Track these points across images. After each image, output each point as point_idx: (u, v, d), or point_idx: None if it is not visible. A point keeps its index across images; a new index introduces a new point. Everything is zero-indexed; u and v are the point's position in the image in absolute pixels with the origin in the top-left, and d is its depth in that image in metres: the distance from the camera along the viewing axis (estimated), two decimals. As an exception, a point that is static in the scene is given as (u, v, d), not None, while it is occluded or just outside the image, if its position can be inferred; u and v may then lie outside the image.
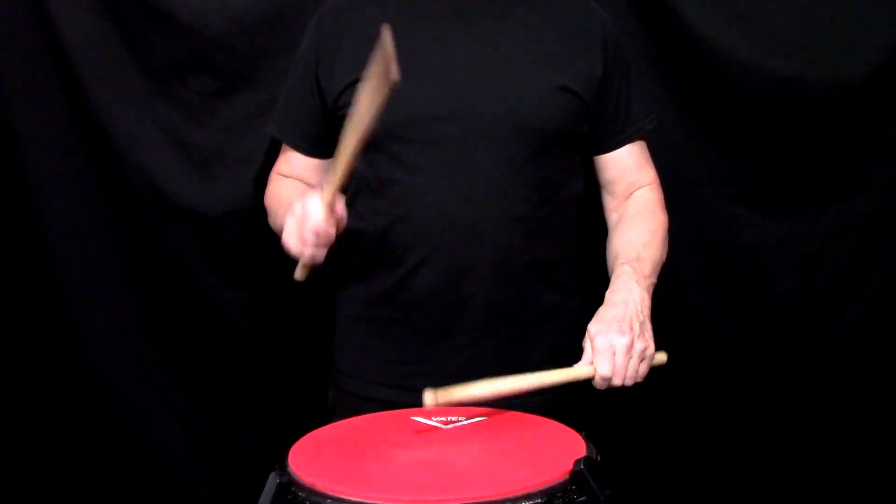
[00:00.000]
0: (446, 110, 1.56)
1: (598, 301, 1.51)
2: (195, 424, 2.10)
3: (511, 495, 1.12)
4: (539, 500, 1.13)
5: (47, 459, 2.07)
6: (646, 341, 1.45)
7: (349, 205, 1.69)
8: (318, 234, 1.42)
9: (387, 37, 1.29)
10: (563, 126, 1.60)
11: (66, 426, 2.07)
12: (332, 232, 1.44)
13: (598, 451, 1.26)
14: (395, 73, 1.28)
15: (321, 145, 1.70)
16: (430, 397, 1.31)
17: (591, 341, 1.43)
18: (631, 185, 1.71)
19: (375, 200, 1.61)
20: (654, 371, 1.49)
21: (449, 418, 1.39)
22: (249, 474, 1.43)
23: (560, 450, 1.25)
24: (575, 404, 1.55)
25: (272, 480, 1.19)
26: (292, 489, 1.18)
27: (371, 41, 1.60)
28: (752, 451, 2.10)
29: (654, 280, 1.58)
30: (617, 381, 1.42)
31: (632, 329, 1.43)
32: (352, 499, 1.13)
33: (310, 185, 1.72)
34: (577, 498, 1.15)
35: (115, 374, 2.06)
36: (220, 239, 2.01)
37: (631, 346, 1.42)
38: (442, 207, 1.55)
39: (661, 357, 1.49)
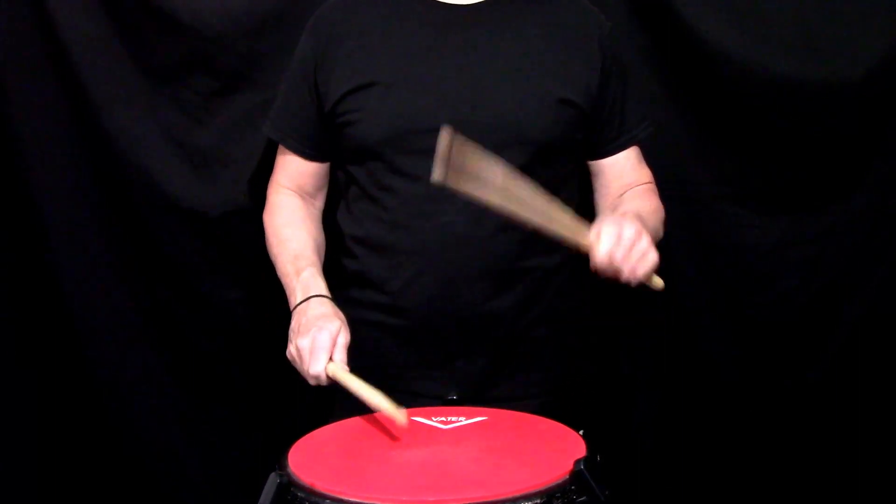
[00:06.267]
0: (445, 121, 1.55)
1: (596, 302, 1.51)
2: (195, 424, 2.10)
3: (511, 495, 1.12)
4: (539, 501, 1.13)
5: (47, 459, 2.06)
6: (651, 247, 1.42)
7: (346, 210, 1.69)
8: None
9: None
10: (561, 137, 1.60)
11: (66, 426, 2.07)
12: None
13: (598, 450, 1.26)
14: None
15: (320, 149, 1.69)
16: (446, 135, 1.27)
17: (600, 225, 1.40)
18: (626, 186, 1.71)
19: (374, 208, 1.61)
20: (655, 370, 1.49)
21: (449, 418, 1.39)
22: (249, 474, 1.42)
23: (560, 450, 1.25)
24: (574, 404, 1.56)
25: (272, 480, 1.19)
26: (292, 489, 1.18)
27: (368, 46, 1.60)
28: (751, 452, 2.10)
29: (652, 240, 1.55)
30: (619, 256, 1.38)
31: (640, 230, 1.41)
32: (351, 499, 1.14)
33: (307, 195, 1.72)
34: (577, 498, 1.15)
35: (115, 374, 2.06)
36: (220, 239, 2.01)
37: (639, 238, 1.40)
38: (439, 217, 1.55)
39: (659, 282, 1.47)
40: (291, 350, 1.49)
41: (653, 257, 1.42)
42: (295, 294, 1.57)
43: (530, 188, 1.36)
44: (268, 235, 1.72)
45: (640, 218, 1.50)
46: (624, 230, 1.40)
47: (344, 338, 1.46)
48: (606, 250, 1.38)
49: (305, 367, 1.44)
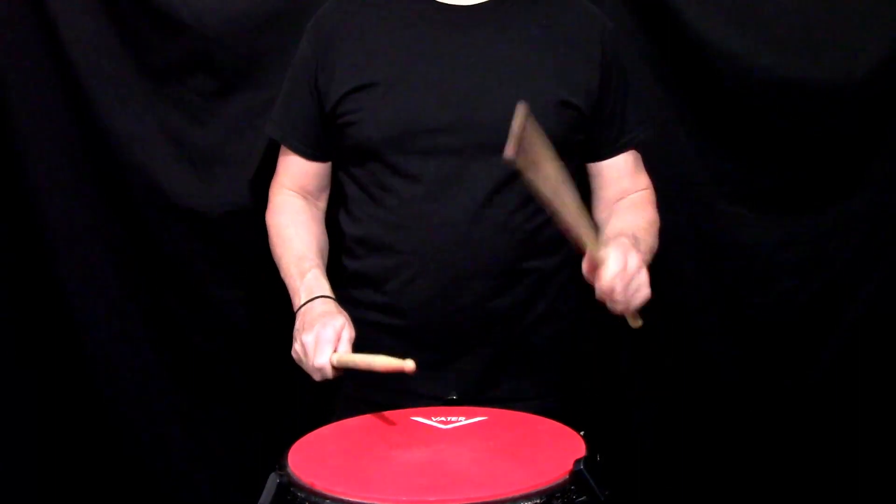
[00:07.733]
0: (446, 122, 1.55)
1: (596, 304, 1.50)
2: (195, 424, 2.10)
3: (511, 495, 1.12)
4: (539, 501, 1.13)
5: (47, 459, 2.06)
6: (647, 283, 1.41)
7: (346, 210, 1.69)
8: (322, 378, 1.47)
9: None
10: (561, 138, 1.58)
11: (66, 426, 2.07)
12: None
13: (598, 451, 1.26)
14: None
15: (321, 149, 1.69)
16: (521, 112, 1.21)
17: (607, 248, 1.38)
18: (624, 191, 1.70)
19: (374, 208, 1.61)
20: (655, 370, 1.49)
21: (449, 418, 1.39)
22: (249, 474, 1.43)
23: (560, 450, 1.25)
24: (574, 404, 1.56)
25: (272, 480, 1.19)
26: (292, 489, 1.18)
27: (369, 46, 1.61)
28: (751, 452, 2.10)
29: (649, 259, 1.55)
30: (620, 285, 1.37)
31: (641, 263, 1.41)
32: (351, 499, 1.14)
33: (310, 196, 1.72)
34: (577, 498, 1.15)
35: (115, 374, 2.06)
36: (220, 239, 2.01)
37: (639, 270, 1.39)
38: (439, 218, 1.55)
39: (638, 322, 1.46)
40: (296, 347, 1.50)
41: (646, 293, 1.42)
42: (299, 295, 1.57)
43: (571, 188, 1.34)
44: (271, 236, 1.72)
45: (636, 241, 1.50)
46: (629, 259, 1.39)
47: (348, 332, 1.47)
48: (613, 274, 1.36)
49: (310, 362, 1.45)
